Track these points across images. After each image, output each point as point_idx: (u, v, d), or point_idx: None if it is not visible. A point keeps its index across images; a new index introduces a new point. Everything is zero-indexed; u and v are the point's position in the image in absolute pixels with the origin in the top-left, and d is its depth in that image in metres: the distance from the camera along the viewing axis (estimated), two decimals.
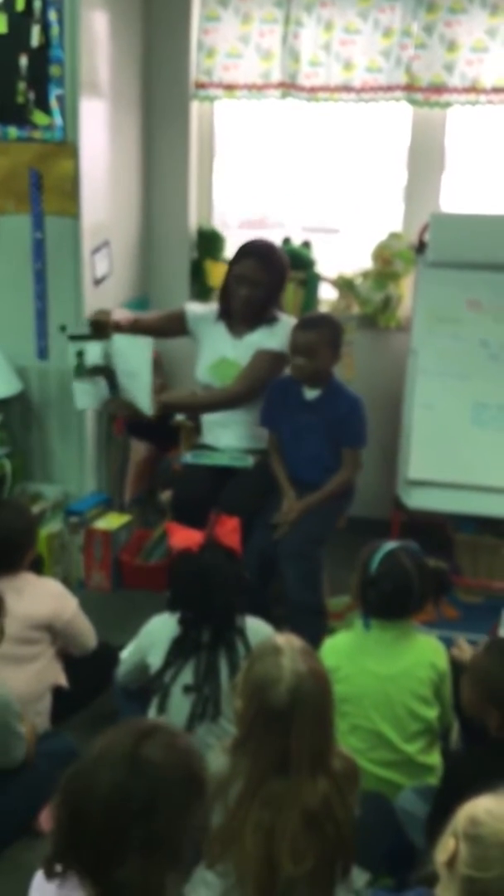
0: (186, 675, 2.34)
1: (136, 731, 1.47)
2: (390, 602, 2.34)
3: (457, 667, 2.40)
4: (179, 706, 2.33)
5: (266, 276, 3.34)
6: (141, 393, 3.32)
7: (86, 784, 1.41)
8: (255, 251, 3.37)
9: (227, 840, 1.78)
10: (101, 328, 3.37)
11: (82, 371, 3.39)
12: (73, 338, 3.40)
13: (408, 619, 2.38)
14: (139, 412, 3.37)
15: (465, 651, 2.66)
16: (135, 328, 3.42)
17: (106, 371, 3.38)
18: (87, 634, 2.75)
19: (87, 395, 3.44)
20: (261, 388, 3.33)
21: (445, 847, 1.43)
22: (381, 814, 2.11)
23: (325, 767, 1.79)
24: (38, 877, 1.50)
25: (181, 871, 1.47)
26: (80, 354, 3.38)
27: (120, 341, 3.35)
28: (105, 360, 3.37)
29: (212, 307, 3.52)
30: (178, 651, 2.36)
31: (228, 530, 2.53)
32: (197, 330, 3.50)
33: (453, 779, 2.08)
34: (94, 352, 3.37)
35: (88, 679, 2.73)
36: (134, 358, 3.31)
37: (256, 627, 2.44)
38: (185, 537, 2.51)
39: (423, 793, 2.19)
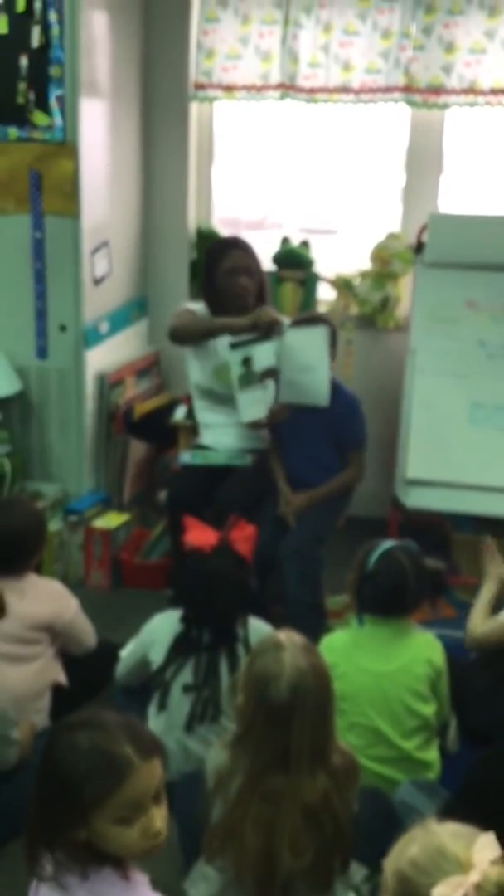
0: (186, 675, 2.35)
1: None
2: (386, 599, 2.35)
3: (452, 663, 2.42)
4: (179, 704, 2.34)
5: (255, 263, 3.42)
6: (321, 385, 3.15)
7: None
8: (237, 243, 3.46)
9: (226, 835, 1.79)
10: (272, 328, 3.17)
11: (252, 378, 3.16)
12: (237, 345, 3.16)
13: (404, 617, 2.40)
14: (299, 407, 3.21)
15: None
16: None
17: (274, 373, 3.19)
18: (88, 634, 2.76)
19: (257, 405, 3.21)
20: None
21: None
22: (380, 809, 2.12)
23: (324, 763, 1.80)
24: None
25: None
26: (245, 362, 3.17)
27: (294, 336, 3.16)
28: (276, 361, 3.17)
29: (202, 307, 3.51)
30: (180, 649, 2.38)
31: (243, 537, 2.52)
32: None
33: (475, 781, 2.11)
34: (264, 355, 3.16)
35: (88, 677, 2.74)
36: (310, 350, 3.14)
37: (259, 629, 2.44)
38: (199, 536, 2.51)
39: (423, 786, 2.20)
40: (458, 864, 1.22)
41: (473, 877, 1.19)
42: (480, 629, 2.61)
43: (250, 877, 1.78)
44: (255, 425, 3.35)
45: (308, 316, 3.53)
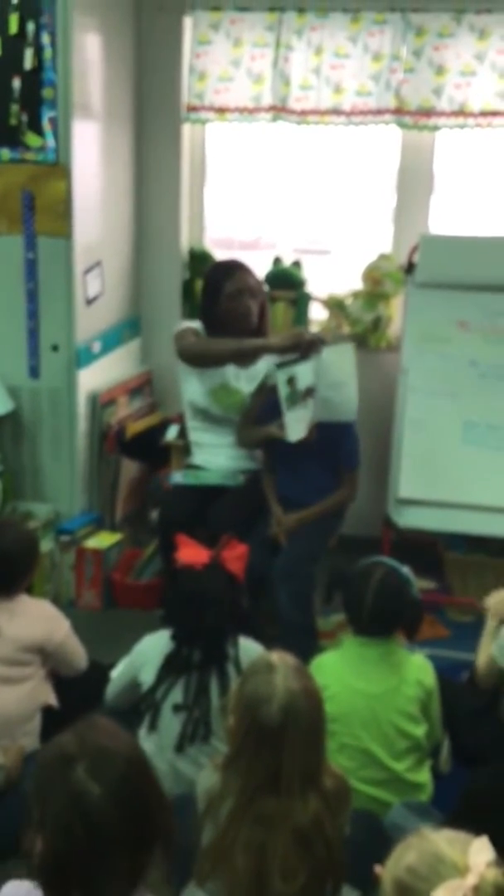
0: (177, 694, 2.34)
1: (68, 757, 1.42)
2: (370, 619, 2.36)
3: (444, 684, 2.41)
4: (169, 725, 2.32)
5: (258, 285, 3.44)
6: (350, 401, 3.21)
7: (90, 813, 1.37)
8: (240, 265, 3.45)
9: (217, 858, 1.77)
10: (314, 346, 3.18)
11: (297, 397, 3.18)
12: (283, 365, 3.19)
13: (391, 638, 2.39)
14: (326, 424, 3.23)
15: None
16: None
17: (312, 391, 3.20)
18: (78, 656, 2.74)
19: (301, 423, 3.20)
20: None
21: None
22: (371, 832, 2.11)
23: (316, 786, 1.79)
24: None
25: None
26: (290, 381, 3.18)
27: (329, 354, 3.20)
28: (314, 379, 3.18)
29: (199, 326, 3.50)
30: (170, 668, 2.36)
31: (235, 556, 2.52)
32: None
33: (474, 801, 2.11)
34: (305, 373, 3.18)
35: (78, 698, 2.72)
36: (341, 367, 3.18)
37: (249, 648, 2.43)
38: (191, 553, 2.51)
39: (414, 808, 2.19)
40: (455, 869, 1.25)
41: (471, 879, 1.22)
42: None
43: None
44: (251, 445, 3.38)
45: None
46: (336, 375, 3.19)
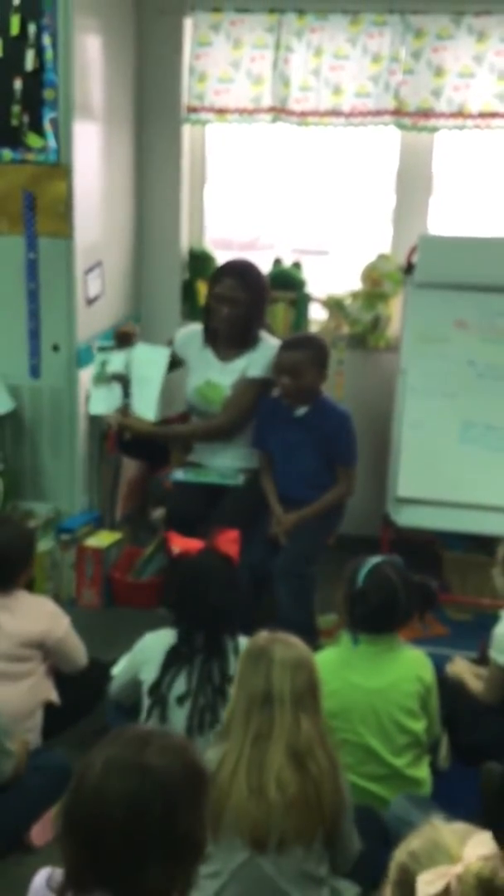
0: (180, 685, 2.36)
1: (132, 741, 1.42)
2: (377, 616, 2.37)
3: (444, 680, 2.43)
4: (175, 716, 2.34)
5: (245, 294, 3.38)
6: (148, 398, 3.48)
7: (96, 807, 1.35)
8: (233, 270, 3.44)
9: (227, 784, 1.87)
10: (125, 338, 3.60)
11: (102, 378, 3.57)
12: (101, 349, 3.62)
13: (393, 633, 2.41)
14: (135, 422, 3.51)
15: (461, 667, 2.71)
16: None
17: (123, 379, 3.53)
18: (79, 653, 2.76)
19: (101, 401, 3.59)
20: (246, 418, 3.40)
21: None
22: (371, 829, 2.12)
23: (308, 712, 1.92)
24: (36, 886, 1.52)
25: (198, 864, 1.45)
26: (103, 364, 3.58)
27: (140, 349, 3.59)
28: (126, 369, 3.54)
29: (198, 328, 3.56)
30: (173, 659, 2.38)
31: (228, 540, 2.57)
32: (185, 355, 3.56)
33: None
34: (116, 360, 3.57)
35: (79, 695, 2.74)
36: (150, 365, 3.50)
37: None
38: (184, 543, 2.56)
39: (415, 800, 2.20)
40: (450, 857, 1.30)
41: (457, 868, 1.28)
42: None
43: (247, 830, 1.86)
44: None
45: (297, 336, 3.56)
46: (143, 370, 3.51)
